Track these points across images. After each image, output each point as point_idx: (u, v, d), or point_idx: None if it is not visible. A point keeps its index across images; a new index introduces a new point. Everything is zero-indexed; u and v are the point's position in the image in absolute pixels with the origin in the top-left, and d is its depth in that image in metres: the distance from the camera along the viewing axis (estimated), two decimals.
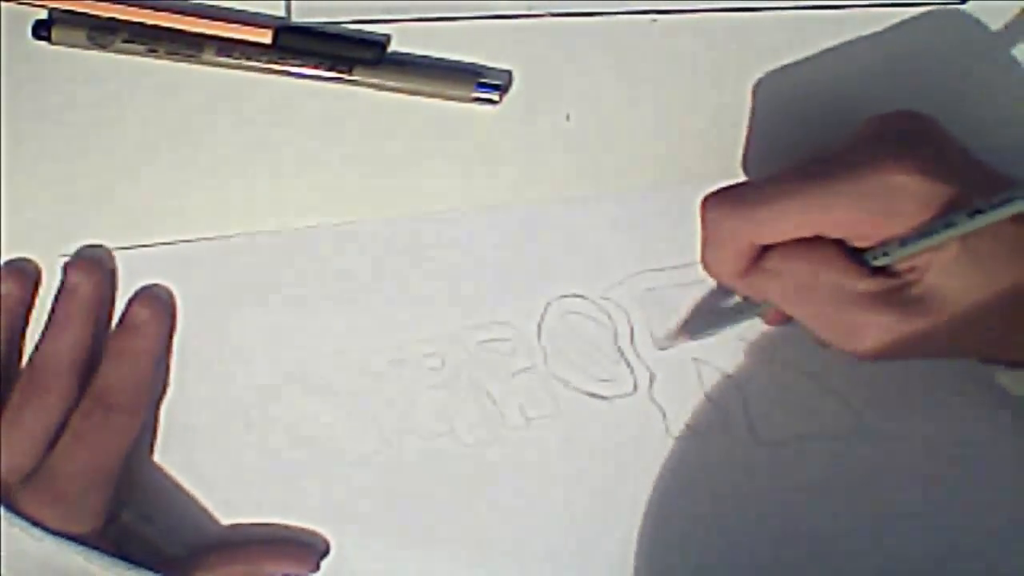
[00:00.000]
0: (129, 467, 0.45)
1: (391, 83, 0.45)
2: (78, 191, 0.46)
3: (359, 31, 0.46)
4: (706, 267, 0.41)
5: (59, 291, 0.45)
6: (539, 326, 0.45)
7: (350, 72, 0.45)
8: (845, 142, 0.39)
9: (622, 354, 0.45)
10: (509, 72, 0.46)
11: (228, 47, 0.45)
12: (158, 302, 0.45)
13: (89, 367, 0.45)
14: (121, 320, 0.45)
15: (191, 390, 0.46)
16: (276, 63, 0.45)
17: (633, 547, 0.45)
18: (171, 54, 0.45)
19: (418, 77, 0.45)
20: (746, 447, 0.45)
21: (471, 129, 0.46)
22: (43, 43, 0.45)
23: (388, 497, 0.46)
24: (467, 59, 0.45)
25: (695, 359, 0.45)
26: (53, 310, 0.45)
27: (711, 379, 0.45)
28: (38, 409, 0.43)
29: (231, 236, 0.46)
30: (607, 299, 0.45)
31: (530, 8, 0.45)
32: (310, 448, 0.46)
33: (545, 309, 0.45)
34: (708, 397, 0.45)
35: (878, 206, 0.36)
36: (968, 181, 0.36)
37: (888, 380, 0.45)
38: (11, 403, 0.44)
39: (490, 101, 0.45)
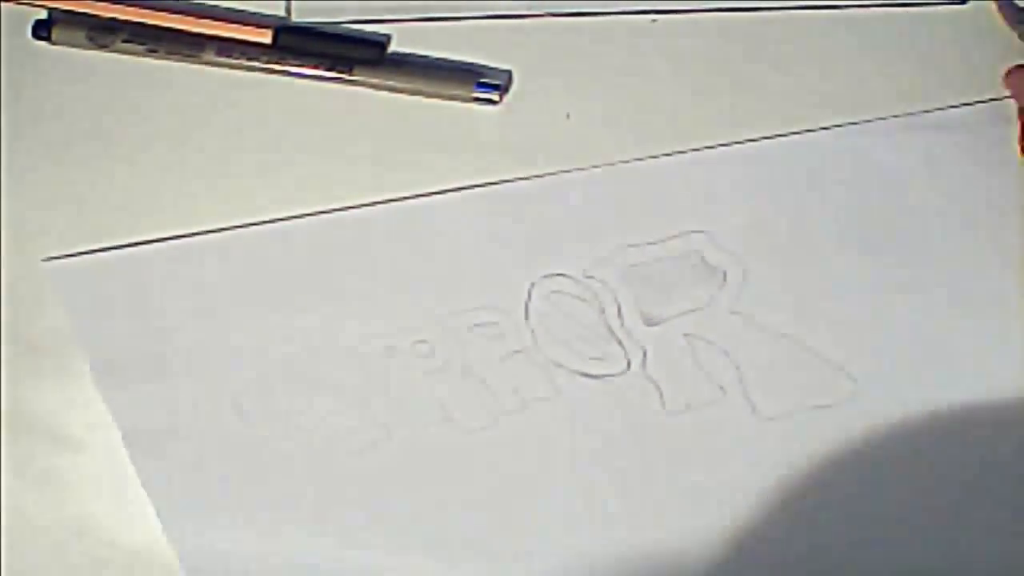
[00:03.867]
0: None
1: (391, 83, 0.45)
2: (77, 191, 0.46)
3: (359, 31, 0.46)
4: None
5: None
6: (526, 307, 0.45)
7: (350, 72, 0.45)
8: None
9: (612, 332, 0.45)
10: (509, 72, 0.46)
11: (228, 47, 0.45)
12: None
13: None
14: None
15: (183, 384, 0.46)
16: (276, 63, 0.45)
17: (633, 525, 0.45)
18: (171, 54, 0.45)
19: (418, 77, 0.45)
20: (744, 420, 0.45)
21: (471, 129, 0.46)
22: (43, 43, 0.45)
23: (385, 486, 0.46)
24: (467, 59, 0.46)
25: (686, 335, 0.45)
26: None
27: (704, 354, 0.45)
28: None
29: (222, 229, 0.45)
30: (591, 277, 0.45)
31: (530, 8, 0.45)
32: (304, 439, 0.46)
33: (530, 290, 0.45)
34: (702, 372, 0.45)
35: None
36: None
37: (883, 346, 0.45)
38: None
39: (490, 101, 0.45)
